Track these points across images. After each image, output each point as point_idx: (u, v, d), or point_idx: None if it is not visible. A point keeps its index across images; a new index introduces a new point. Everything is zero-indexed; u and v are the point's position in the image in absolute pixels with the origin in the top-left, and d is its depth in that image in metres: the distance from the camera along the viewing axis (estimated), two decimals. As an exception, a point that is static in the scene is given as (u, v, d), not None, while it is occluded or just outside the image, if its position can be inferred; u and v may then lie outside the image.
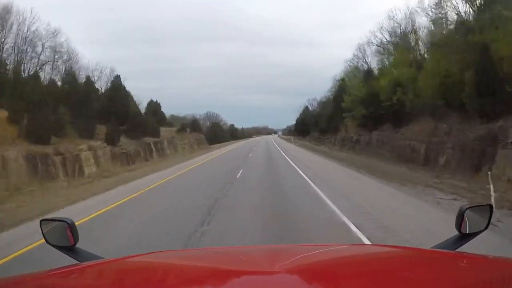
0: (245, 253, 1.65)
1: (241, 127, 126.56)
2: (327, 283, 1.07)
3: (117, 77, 31.49)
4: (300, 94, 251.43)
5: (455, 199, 8.67)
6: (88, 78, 28.77)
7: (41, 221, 1.61)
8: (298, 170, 16.98)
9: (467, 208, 1.50)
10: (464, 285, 1.04)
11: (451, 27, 18.85)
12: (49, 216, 6.38)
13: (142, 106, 39.51)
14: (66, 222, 1.53)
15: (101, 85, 32.45)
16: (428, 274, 1.13)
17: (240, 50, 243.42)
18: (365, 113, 26.18)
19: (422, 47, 24.95)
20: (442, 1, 19.54)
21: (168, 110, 64.39)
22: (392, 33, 28.08)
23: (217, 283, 1.13)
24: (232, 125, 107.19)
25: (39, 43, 24.68)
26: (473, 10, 17.88)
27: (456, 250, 1.47)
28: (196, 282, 1.15)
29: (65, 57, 26.82)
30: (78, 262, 1.49)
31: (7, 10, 23.20)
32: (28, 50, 24.32)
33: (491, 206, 1.59)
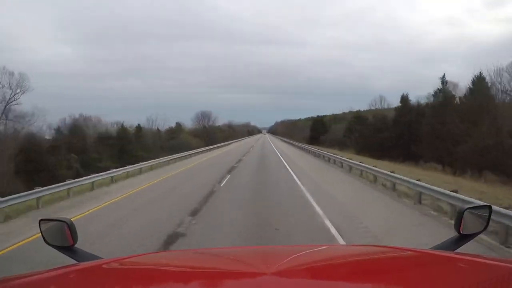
0: (241, 254, 1.66)
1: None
2: (323, 284, 1.07)
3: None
4: (283, 93, 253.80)
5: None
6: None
7: (40, 220, 1.61)
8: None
9: (466, 209, 1.50)
10: (463, 286, 1.03)
11: None
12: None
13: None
14: (65, 222, 1.53)
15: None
16: (426, 274, 1.12)
17: (219, 49, 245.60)
18: None
19: None
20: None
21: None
22: None
23: (214, 284, 1.13)
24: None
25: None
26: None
27: (455, 250, 1.47)
28: (194, 283, 1.15)
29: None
30: (77, 262, 1.50)
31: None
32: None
33: (490, 207, 1.59)
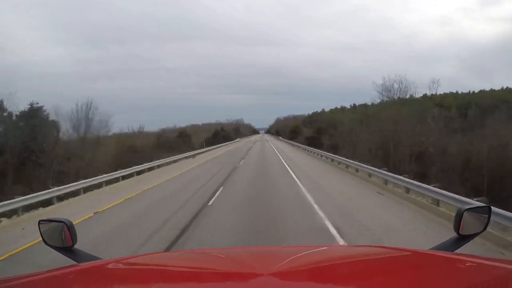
0: (240, 255, 1.65)
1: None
2: (322, 285, 1.07)
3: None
4: (278, 93, 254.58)
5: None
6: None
7: (39, 221, 1.61)
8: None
9: (465, 210, 1.50)
10: (463, 287, 1.03)
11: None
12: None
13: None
14: (65, 223, 1.53)
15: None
16: (426, 275, 1.12)
17: (213, 50, 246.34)
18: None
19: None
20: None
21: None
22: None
23: (213, 285, 1.14)
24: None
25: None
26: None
27: (455, 251, 1.47)
28: (193, 284, 1.16)
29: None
30: (76, 263, 1.50)
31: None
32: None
33: (489, 207, 1.59)
